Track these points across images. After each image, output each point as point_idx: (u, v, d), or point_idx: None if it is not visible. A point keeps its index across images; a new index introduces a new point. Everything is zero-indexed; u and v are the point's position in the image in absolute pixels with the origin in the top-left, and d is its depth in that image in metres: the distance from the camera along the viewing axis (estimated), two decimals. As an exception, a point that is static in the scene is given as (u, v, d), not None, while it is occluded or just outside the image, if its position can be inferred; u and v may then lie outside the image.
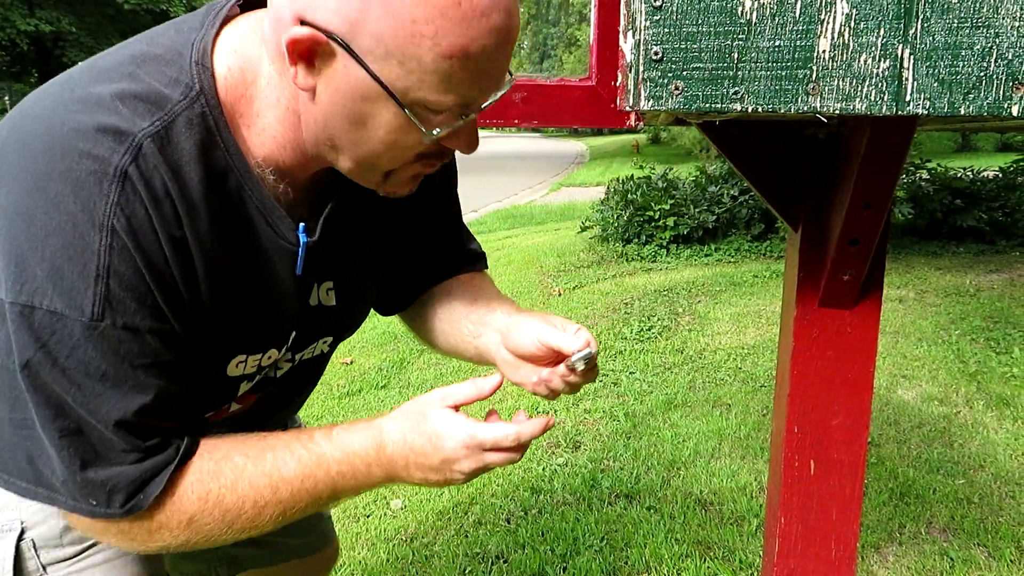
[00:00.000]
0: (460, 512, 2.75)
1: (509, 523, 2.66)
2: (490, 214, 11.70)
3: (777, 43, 0.71)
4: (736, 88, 0.71)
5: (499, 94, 0.82)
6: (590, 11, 1.21)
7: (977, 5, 0.70)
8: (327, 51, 0.75)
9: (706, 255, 6.93)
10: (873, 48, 0.70)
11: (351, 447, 0.91)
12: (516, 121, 1.25)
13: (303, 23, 0.74)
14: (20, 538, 0.94)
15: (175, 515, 0.86)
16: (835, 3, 0.70)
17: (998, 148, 17.09)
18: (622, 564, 2.40)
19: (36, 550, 0.95)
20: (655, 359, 4.32)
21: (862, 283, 1.15)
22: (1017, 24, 0.70)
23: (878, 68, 0.71)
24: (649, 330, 4.84)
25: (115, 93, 0.78)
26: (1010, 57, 0.71)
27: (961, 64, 0.71)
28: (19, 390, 0.80)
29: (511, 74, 0.86)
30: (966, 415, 3.43)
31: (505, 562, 2.42)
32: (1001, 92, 0.71)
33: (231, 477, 0.87)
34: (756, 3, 0.70)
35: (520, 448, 0.92)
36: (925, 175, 7.30)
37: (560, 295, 5.89)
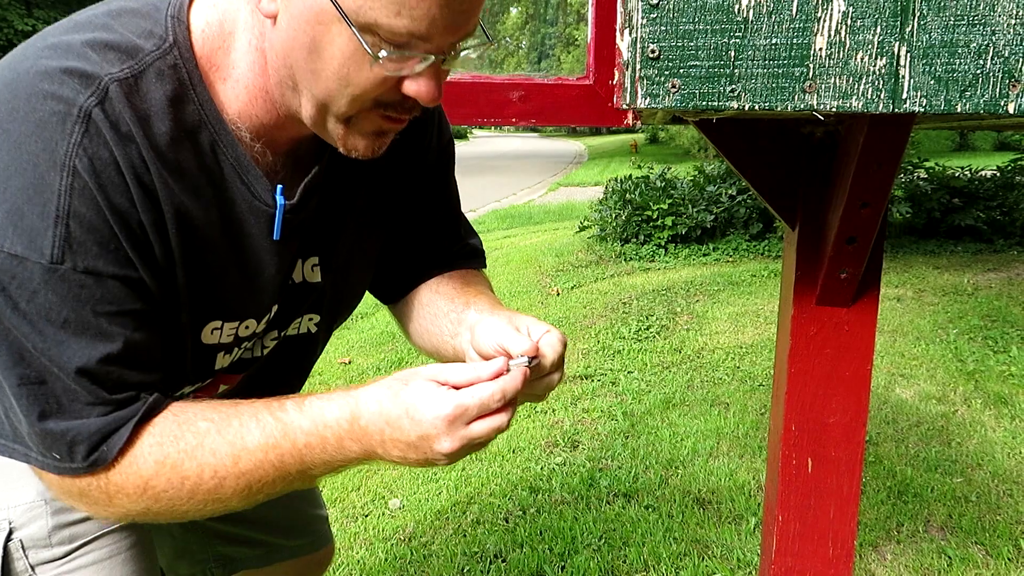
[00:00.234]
0: (458, 511, 2.75)
1: (507, 522, 2.66)
2: (488, 214, 11.70)
3: (774, 41, 0.71)
4: (733, 86, 0.72)
5: (467, 45, 0.79)
6: (588, 10, 1.21)
7: (974, 3, 0.70)
8: None
9: (704, 254, 6.94)
10: (870, 46, 0.71)
11: (322, 417, 0.84)
12: (514, 120, 1.25)
13: None
14: (8, 538, 0.93)
15: (132, 478, 0.82)
16: (832, 1, 0.71)
17: (996, 147, 17.11)
18: (620, 563, 2.40)
19: (25, 551, 0.94)
20: (653, 358, 4.32)
21: (859, 281, 1.15)
22: (1014, 22, 0.70)
23: (875, 66, 0.71)
24: (647, 329, 4.84)
25: (86, 41, 0.78)
26: (1007, 55, 0.71)
27: (958, 62, 0.71)
28: None
29: (487, 35, 0.83)
30: (964, 414, 3.43)
31: (503, 561, 2.42)
32: (998, 90, 0.71)
33: (192, 442, 0.83)
34: (753, 1, 0.71)
35: (508, 407, 0.84)
36: (923, 174, 7.31)
37: (558, 295, 5.89)
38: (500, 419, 0.83)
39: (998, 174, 7.38)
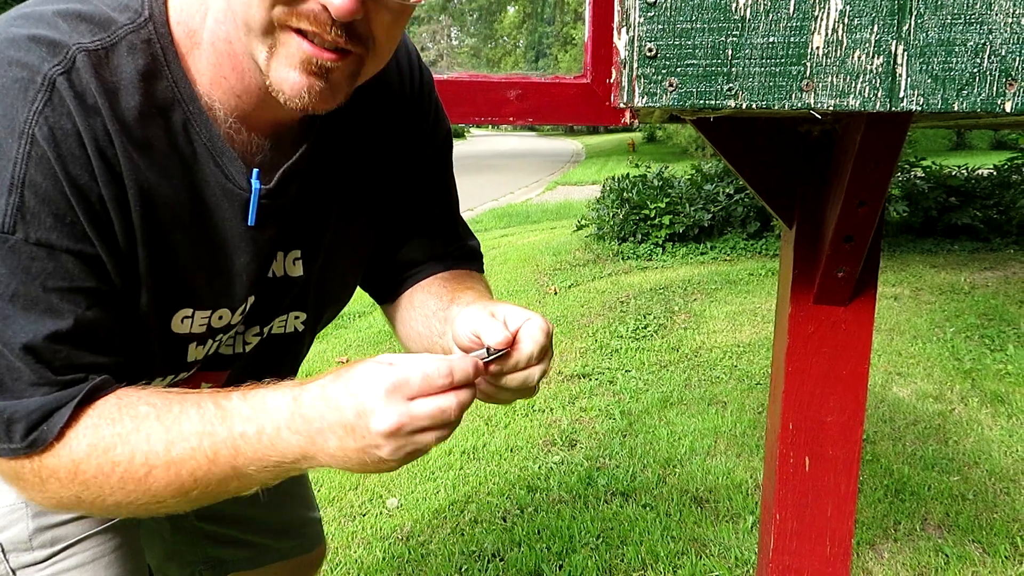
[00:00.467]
0: (456, 510, 2.75)
1: (505, 521, 2.66)
2: (486, 213, 11.70)
3: (771, 39, 0.71)
4: (730, 85, 0.72)
5: None
6: (585, 9, 1.21)
7: (971, 2, 0.70)
8: None
9: (702, 253, 6.94)
10: (867, 44, 0.71)
11: (264, 403, 0.77)
12: (511, 119, 1.25)
13: None
14: None
15: (64, 461, 0.77)
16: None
17: (993, 146, 17.13)
18: (618, 562, 2.40)
19: (5, 554, 0.93)
20: (651, 357, 4.32)
21: (856, 280, 1.15)
22: (1010, 21, 0.70)
23: (872, 64, 0.71)
24: (645, 328, 4.84)
25: (58, 11, 0.76)
26: (1003, 53, 0.71)
27: (955, 60, 0.71)
28: None
29: None
30: (961, 412, 3.44)
31: (501, 560, 2.42)
32: (994, 89, 0.71)
33: (128, 427, 0.77)
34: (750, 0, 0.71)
35: (458, 391, 0.75)
36: (920, 173, 7.32)
37: (556, 294, 5.89)
38: (445, 400, 0.74)
39: (995, 173, 7.40)
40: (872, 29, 0.70)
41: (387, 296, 1.15)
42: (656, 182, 7.64)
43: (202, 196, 0.84)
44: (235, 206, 0.86)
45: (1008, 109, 0.72)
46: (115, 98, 0.75)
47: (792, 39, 0.71)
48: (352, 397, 0.74)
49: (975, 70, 0.71)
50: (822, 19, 0.71)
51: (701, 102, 0.72)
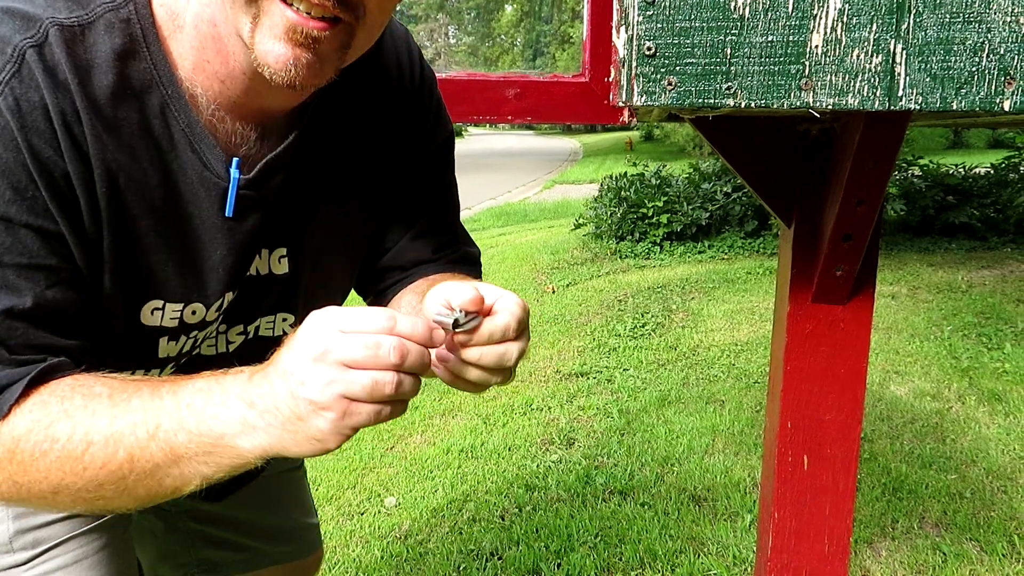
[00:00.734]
0: (454, 509, 2.75)
1: (503, 520, 2.66)
2: (484, 212, 11.69)
3: (770, 38, 0.71)
4: (729, 83, 0.71)
5: None
6: (583, 7, 1.21)
7: (969, 0, 0.70)
8: None
9: (699, 252, 6.95)
10: (866, 43, 0.70)
11: (222, 377, 0.73)
12: (510, 118, 1.25)
13: None
14: None
15: (4, 438, 0.73)
16: (828, -2, 0.70)
17: (990, 145, 17.16)
18: (616, 560, 2.40)
19: None
20: (649, 356, 4.32)
21: (855, 279, 1.16)
22: (1009, 19, 0.70)
23: (871, 63, 0.71)
24: (643, 327, 4.84)
25: None
26: (1002, 52, 0.71)
27: (953, 59, 0.71)
28: None
29: None
30: (958, 411, 3.44)
31: (499, 559, 2.42)
32: (993, 87, 0.71)
33: (78, 402, 0.73)
34: (749, -2, 0.70)
35: (395, 344, 0.67)
36: (917, 171, 7.33)
37: (554, 292, 5.89)
38: (383, 339, 0.66)
39: (992, 171, 7.41)
40: (871, 28, 0.70)
41: (376, 299, 1.11)
42: (654, 181, 7.64)
43: (176, 183, 0.81)
44: (212, 196, 0.83)
45: (1007, 108, 0.72)
46: (87, 75, 0.74)
47: (791, 38, 0.71)
48: (290, 339, 0.70)
49: (974, 69, 0.71)
50: (821, 18, 0.71)
51: (700, 101, 0.72)
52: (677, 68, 0.71)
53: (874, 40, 0.71)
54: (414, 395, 0.70)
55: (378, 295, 1.09)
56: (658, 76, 0.71)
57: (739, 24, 0.71)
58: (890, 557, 2.39)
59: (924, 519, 2.59)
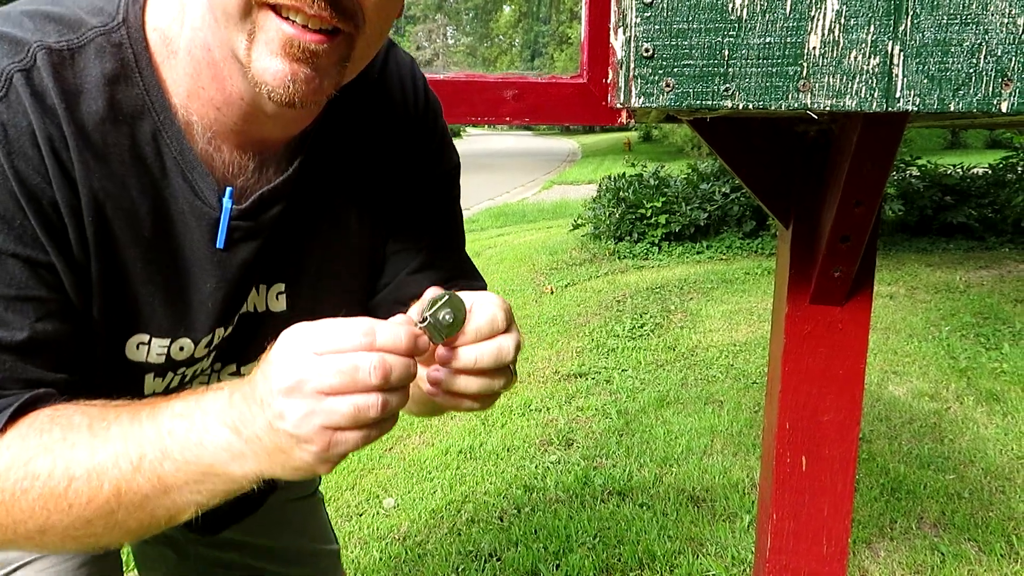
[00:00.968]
0: (453, 510, 2.74)
1: (502, 521, 2.66)
2: (482, 212, 11.69)
3: (767, 40, 0.71)
4: (727, 85, 0.71)
5: None
6: (581, 8, 1.21)
7: (967, 2, 0.70)
8: None
9: (698, 252, 6.95)
10: (863, 44, 0.71)
11: (201, 398, 0.70)
12: (508, 119, 1.25)
13: None
14: None
15: None
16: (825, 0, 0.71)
17: (988, 145, 17.18)
18: (615, 561, 2.40)
19: None
20: (647, 356, 4.32)
21: (853, 279, 1.16)
22: (1006, 20, 0.70)
23: (868, 64, 0.71)
24: (641, 327, 4.85)
25: (26, 11, 0.73)
26: (999, 53, 0.71)
27: (951, 60, 0.71)
28: None
29: None
30: (956, 411, 3.45)
31: (498, 560, 2.42)
32: (990, 88, 0.71)
33: (57, 435, 0.70)
34: (746, 0, 0.70)
35: (384, 353, 0.63)
36: (915, 172, 7.34)
37: (552, 293, 5.89)
38: (362, 357, 0.62)
39: (990, 172, 7.42)
40: (868, 29, 0.70)
41: None
42: (652, 181, 7.64)
43: (166, 212, 0.78)
44: (203, 226, 0.80)
45: (1004, 109, 0.72)
46: (76, 101, 0.72)
47: (789, 39, 0.71)
48: (264, 363, 0.66)
49: (971, 70, 0.71)
50: (818, 19, 0.71)
51: (698, 102, 0.72)
52: (675, 69, 0.71)
53: (872, 42, 0.71)
54: (403, 406, 0.66)
55: None
56: (656, 77, 0.71)
57: (737, 26, 0.71)
58: (888, 557, 2.39)
59: (922, 519, 2.59)
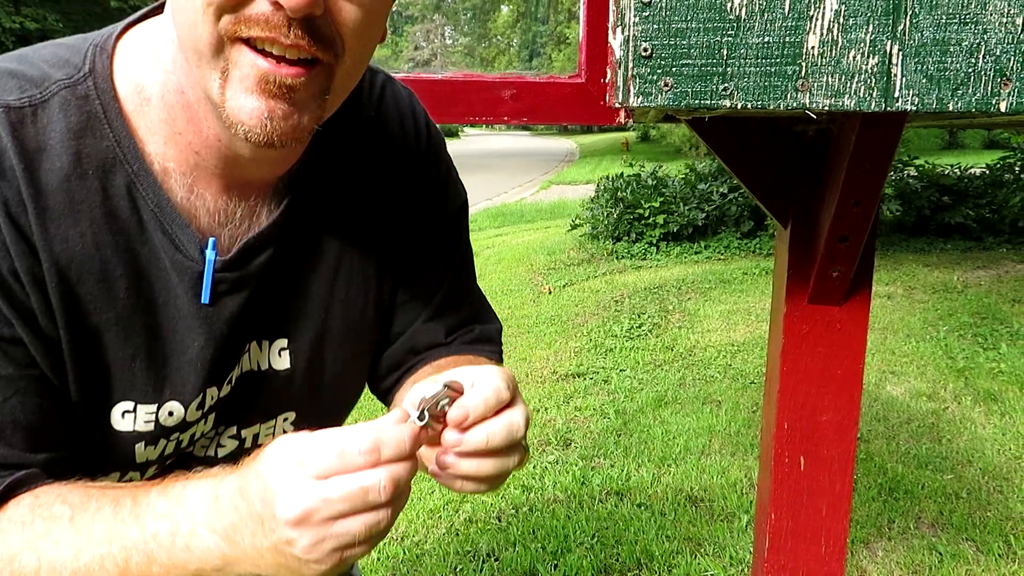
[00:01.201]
0: (451, 510, 2.74)
1: (500, 521, 2.66)
2: (480, 212, 11.69)
3: (766, 39, 0.71)
4: (725, 84, 0.71)
5: None
6: (579, 8, 1.21)
7: (965, 1, 0.70)
8: None
9: (696, 252, 6.95)
10: (862, 44, 0.70)
11: (182, 497, 0.66)
12: (506, 119, 1.24)
13: None
14: None
15: None
16: (824, -1, 0.70)
17: (985, 145, 17.20)
18: (613, 561, 2.40)
19: None
20: (645, 356, 4.32)
21: (851, 280, 1.16)
22: (1005, 20, 0.70)
23: (867, 64, 0.71)
24: (639, 327, 4.85)
25: None
26: (998, 53, 0.71)
27: (949, 60, 0.71)
28: None
29: None
30: (954, 411, 3.45)
31: (496, 560, 2.42)
32: (989, 88, 0.71)
33: (39, 530, 0.67)
34: (745, -1, 0.70)
35: (389, 464, 0.62)
36: (913, 172, 7.35)
37: (550, 293, 5.89)
38: (369, 476, 0.61)
39: (987, 172, 7.43)
40: (867, 29, 0.70)
41: (383, 393, 0.99)
42: (650, 181, 7.65)
43: (145, 269, 0.74)
44: (186, 281, 0.75)
45: (1003, 109, 0.72)
46: (37, 159, 0.68)
47: (787, 39, 0.71)
48: (258, 480, 0.62)
49: (970, 70, 0.71)
50: (817, 19, 0.71)
51: (696, 102, 0.72)
52: (673, 69, 0.71)
53: (870, 41, 0.70)
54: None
55: (386, 391, 0.98)
56: (654, 77, 0.71)
57: (735, 25, 0.71)
58: (886, 557, 2.39)
59: (920, 519, 2.59)
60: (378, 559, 2.45)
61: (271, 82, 0.66)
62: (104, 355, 0.74)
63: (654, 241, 7.12)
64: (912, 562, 2.36)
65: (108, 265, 0.72)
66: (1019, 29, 0.70)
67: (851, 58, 0.71)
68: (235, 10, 0.64)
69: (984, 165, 7.70)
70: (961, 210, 6.86)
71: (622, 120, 1.18)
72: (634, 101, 0.72)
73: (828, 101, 0.72)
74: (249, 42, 0.65)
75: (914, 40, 0.71)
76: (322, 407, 0.90)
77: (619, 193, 7.42)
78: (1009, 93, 0.71)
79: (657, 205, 7.17)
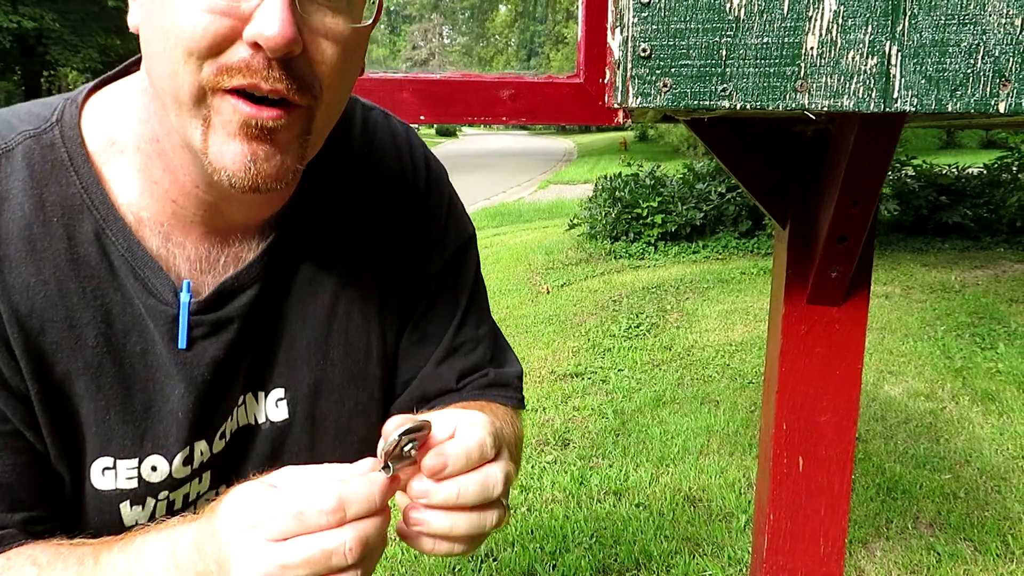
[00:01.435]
0: (449, 510, 2.74)
1: (498, 521, 2.66)
2: (478, 212, 11.69)
3: (765, 40, 0.71)
4: (724, 85, 0.71)
5: None
6: (578, 8, 1.21)
7: (964, 2, 0.70)
8: None
9: (694, 252, 6.96)
10: (861, 45, 0.70)
11: (140, 554, 0.65)
12: (504, 119, 1.24)
13: None
14: None
15: None
16: (823, 0, 0.70)
17: (983, 145, 17.22)
18: (611, 561, 2.40)
19: None
20: (644, 356, 4.32)
21: (850, 280, 1.16)
22: (1003, 21, 0.70)
23: (866, 65, 0.71)
24: (638, 327, 4.85)
25: None
26: (997, 54, 0.71)
27: (948, 61, 0.71)
28: None
29: None
30: (952, 410, 3.45)
31: (495, 560, 2.41)
32: (988, 89, 0.71)
33: None
34: (744, 0, 0.70)
35: (356, 522, 0.58)
36: (911, 172, 7.36)
37: (548, 293, 5.89)
38: (332, 538, 0.57)
39: (985, 172, 7.45)
40: (866, 30, 0.70)
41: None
42: (648, 181, 7.65)
43: (116, 316, 0.72)
44: (161, 326, 0.73)
45: (1002, 109, 0.72)
46: None
47: (786, 39, 0.71)
48: (213, 539, 0.60)
49: (969, 71, 0.71)
50: (816, 19, 0.70)
51: (695, 103, 0.72)
52: (672, 70, 0.71)
53: (869, 42, 0.70)
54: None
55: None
56: (653, 78, 0.71)
57: (734, 26, 0.70)
58: (885, 557, 2.40)
59: (918, 519, 2.59)
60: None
61: (252, 126, 0.65)
62: (77, 405, 0.72)
63: (652, 241, 7.12)
64: (910, 562, 2.36)
65: (74, 312, 0.70)
66: (1018, 30, 0.70)
67: (850, 59, 0.71)
68: (215, 56, 0.63)
69: (982, 165, 7.71)
70: (959, 210, 6.87)
71: (620, 120, 1.18)
72: (633, 102, 0.71)
73: (827, 102, 0.72)
74: (230, 89, 0.64)
75: (913, 41, 0.71)
76: (326, 460, 0.88)
77: (617, 193, 7.42)
78: (1008, 94, 0.71)
79: (655, 205, 7.18)
